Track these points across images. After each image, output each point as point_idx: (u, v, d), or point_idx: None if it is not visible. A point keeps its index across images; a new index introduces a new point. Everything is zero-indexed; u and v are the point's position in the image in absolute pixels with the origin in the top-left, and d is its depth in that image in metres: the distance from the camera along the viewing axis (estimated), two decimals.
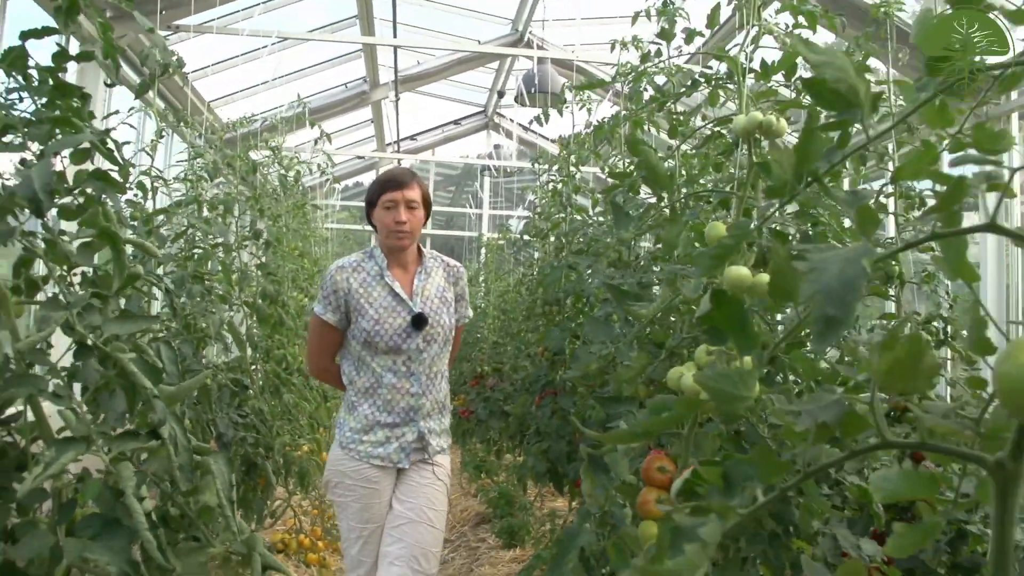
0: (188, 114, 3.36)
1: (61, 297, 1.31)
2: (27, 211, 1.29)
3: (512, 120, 9.95)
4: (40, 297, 1.41)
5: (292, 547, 4.13)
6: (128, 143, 1.72)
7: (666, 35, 1.68)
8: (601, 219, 3.26)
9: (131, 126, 2.50)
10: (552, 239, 3.72)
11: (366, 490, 2.43)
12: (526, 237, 4.69)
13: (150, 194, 2.56)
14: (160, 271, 2.45)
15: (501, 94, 9.66)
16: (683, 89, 1.77)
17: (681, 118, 1.84)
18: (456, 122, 11.11)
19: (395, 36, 7.56)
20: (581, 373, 1.37)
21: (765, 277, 1.10)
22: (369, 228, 2.65)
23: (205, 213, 2.88)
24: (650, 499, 1.11)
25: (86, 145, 1.19)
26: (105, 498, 1.21)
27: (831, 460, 0.58)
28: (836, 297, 0.45)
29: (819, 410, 0.61)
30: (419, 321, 2.44)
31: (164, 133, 2.74)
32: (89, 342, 1.27)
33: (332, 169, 5.84)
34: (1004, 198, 0.61)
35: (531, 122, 3.71)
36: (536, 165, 4.22)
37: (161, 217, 2.61)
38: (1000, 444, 0.55)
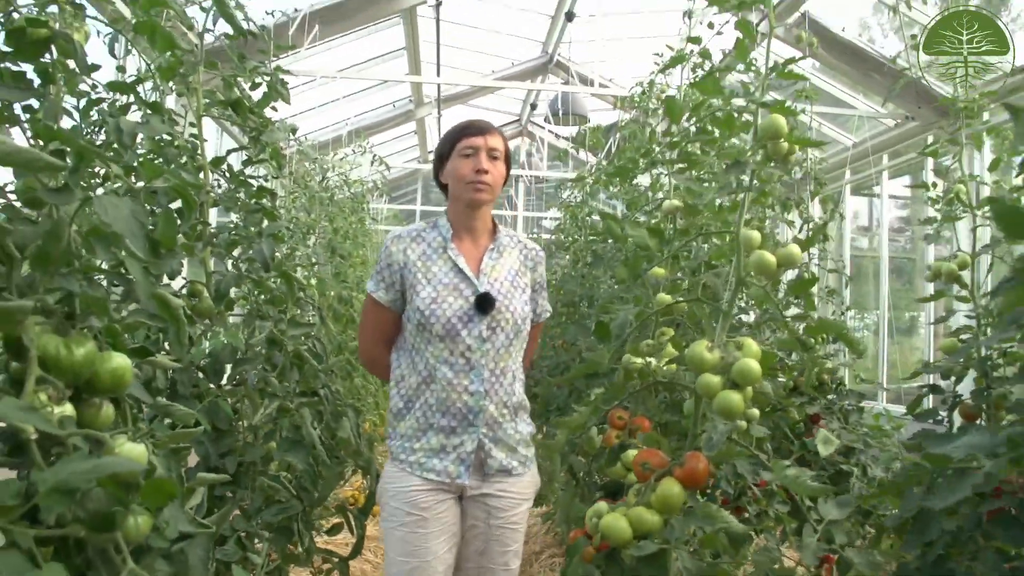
0: (290, 161, 4.32)
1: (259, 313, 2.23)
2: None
3: (543, 127, 10.82)
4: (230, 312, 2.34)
5: (360, 501, 5.08)
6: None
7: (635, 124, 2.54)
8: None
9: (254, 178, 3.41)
10: (569, 253, 4.60)
11: (411, 518, 2.05)
12: (551, 247, 5.59)
13: None
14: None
15: (534, 106, 10.54)
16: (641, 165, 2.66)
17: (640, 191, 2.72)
18: None
19: (438, 59, 8.50)
20: (570, 358, 2.24)
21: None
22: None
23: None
24: (611, 435, 1.99)
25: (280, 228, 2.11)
26: (292, 428, 2.12)
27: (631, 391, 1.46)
28: (618, 330, 1.31)
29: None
30: (484, 303, 2.06)
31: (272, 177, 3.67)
32: (278, 338, 2.18)
33: (383, 184, 6.80)
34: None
35: (552, 160, 4.55)
36: (557, 191, 5.10)
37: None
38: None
